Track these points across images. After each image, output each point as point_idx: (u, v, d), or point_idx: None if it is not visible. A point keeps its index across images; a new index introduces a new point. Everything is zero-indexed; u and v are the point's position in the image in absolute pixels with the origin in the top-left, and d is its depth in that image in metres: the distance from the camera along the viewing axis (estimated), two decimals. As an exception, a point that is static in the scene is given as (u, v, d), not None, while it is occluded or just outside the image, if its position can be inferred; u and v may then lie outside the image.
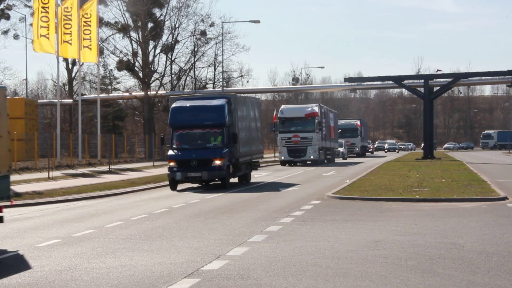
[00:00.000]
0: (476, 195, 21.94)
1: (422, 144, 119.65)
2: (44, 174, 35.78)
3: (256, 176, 38.05)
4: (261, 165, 50.78)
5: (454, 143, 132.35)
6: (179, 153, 27.82)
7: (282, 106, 54.49)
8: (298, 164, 51.58)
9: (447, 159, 59.06)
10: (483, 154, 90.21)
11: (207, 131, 28.10)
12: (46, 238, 14.57)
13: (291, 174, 38.81)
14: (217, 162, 27.43)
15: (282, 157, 51.16)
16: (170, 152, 28.08)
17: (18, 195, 25.13)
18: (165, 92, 67.84)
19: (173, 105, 28.89)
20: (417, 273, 10.29)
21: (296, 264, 11.03)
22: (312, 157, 50.66)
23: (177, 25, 68.86)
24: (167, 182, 28.73)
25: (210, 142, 28.13)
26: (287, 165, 51.20)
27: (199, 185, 29.77)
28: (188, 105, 28.61)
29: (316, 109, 52.04)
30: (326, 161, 55.38)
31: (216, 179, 28.26)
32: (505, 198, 21.18)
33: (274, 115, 55.64)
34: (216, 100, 29.00)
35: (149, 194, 26.30)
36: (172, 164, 27.67)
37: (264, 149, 39.31)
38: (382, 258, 11.47)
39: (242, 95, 31.92)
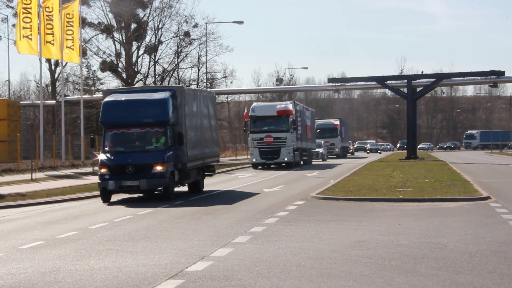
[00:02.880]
0: (459, 195, 22.05)
1: (398, 145, 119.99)
2: (27, 176, 35.58)
3: (240, 176, 38.07)
4: (245, 166, 50.67)
5: (428, 143, 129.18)
6: (112, 158, 23.29)
7: (254, 104, 50.46)
8: (271, 166, 48.25)
9: (431, 159, 59.34)
10: (466, 154, 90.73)
11: (147, 130, 23.72)
12: (29, 240, 14.50)
13: (274, 175, 38.81)
14: (159, 168, 22.93)
15: (254, 159, 47.40)
16: (102, 156, 23.48)
17: (1, 197, 24.99)
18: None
19: (106, 99, 24.34)
20: (401, 273, 10.34)
21: (280, 265, 11.04)
22: (286, 159, 46.86)
23: (160, 26, 68.86)
24: None
25: (150, 144, 23.74)
26: (259, 167, 47.72)
27: (141, 195, 25.09)
28: (123, 99, 24.14)
29: (290, 106, 48.09)
30: (302, 163, 52.12)
31: (159, 189, 23.83)
32: (487, 198, 21.30)
33: (245, 113, 51.08)
34: (158, 93, 24.45)
35: (132, 195, 26.13)
36: (103, 170, 23.13)
37: (219, 151, 33.73)
38: (366, 258, 11.51)
39: (191, 87, 27.57)
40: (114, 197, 24.44)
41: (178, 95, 24.62)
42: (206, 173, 28.50)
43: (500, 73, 58.59)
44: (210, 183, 31.80)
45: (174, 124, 24.11)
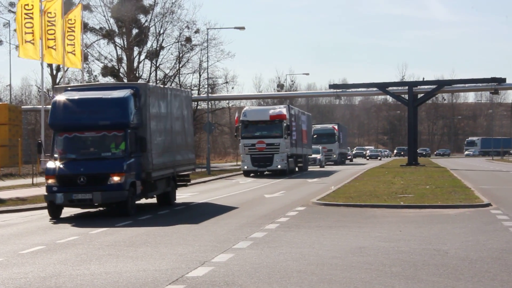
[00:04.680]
0: (460, 202, 22.05)
1: (395, 151, 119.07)
2: (28, 181, 35.59)
3: (241, 182, 38.05)
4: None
5: (426, 148, 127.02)
6: (62, 166, 19.95)
7: (245, 108, 47.82)
8: (264, 173, 45.58)
9: (431, 166, 59.32)
10: (467, 161, 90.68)
11: (103, 134, 20.38)
12: (29, 245, 14.50)
13: (274, 181, 38.77)
14: (116, 178, 19.59)
15: (245, 167, 44.65)
16: (50, 165, 20.25)
17: (2, 201, 25.00)
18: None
19: (56, 98, 21.05)
20: (401, 279, 10.34)
21: (281, 271, 11.04)
22: (279, 166, 44.21)
23: (161, 31, 68.82)
24: None
25: (107, 150, 20.39)
26: (251, 175, 45.11)
27: (101, 209, 21.98)
28: (76, 97, 20.86)
29: (284, 111, 45.22)
30: (297, 170, 49.92)
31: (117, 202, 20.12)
32: (488, 205, 21.28)
33: (236, 117, 48.22)
34: (118, 91, 21.16)
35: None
36: (50, 181, 19.78)
37: (195, 158, 29.71)
38: (366, 264, 11.51)
39: (159, 85, 22.86)
40: (73, 211, 21.89)
41: (142, 93, 21.41)
42: (179, 183, 25.39)
43: (501, 80, 58.63)
44: (212, 189, 31.86)
45: (136, 127, 20.92)
